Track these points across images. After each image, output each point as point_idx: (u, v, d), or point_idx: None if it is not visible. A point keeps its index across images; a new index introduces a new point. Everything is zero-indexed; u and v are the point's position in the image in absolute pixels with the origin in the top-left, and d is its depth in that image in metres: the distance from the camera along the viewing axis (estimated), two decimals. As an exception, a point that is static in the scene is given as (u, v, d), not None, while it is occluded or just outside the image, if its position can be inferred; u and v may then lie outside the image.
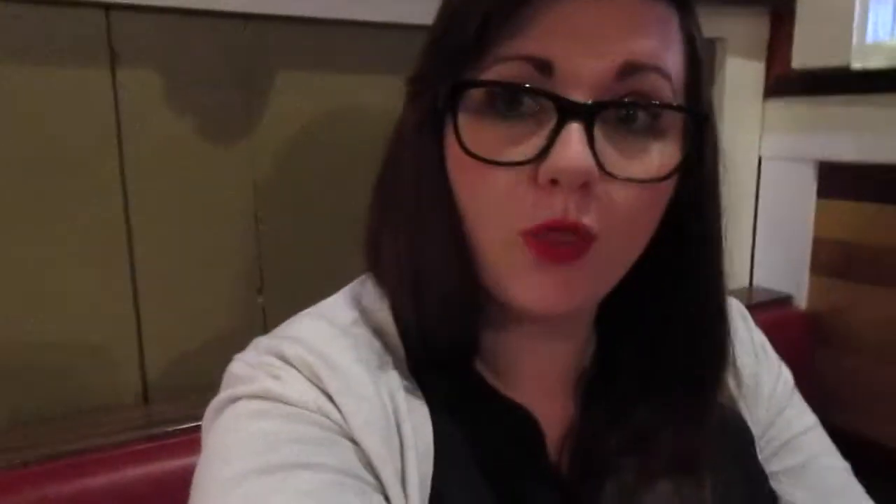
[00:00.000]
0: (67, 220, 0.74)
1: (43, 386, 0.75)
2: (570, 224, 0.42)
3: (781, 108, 1.22)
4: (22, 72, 0.71)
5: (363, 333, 0.50)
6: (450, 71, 0.45)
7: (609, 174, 0.42)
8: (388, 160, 0.52)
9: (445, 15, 0.47)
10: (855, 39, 1.10)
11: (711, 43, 1.19)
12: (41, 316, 0.74)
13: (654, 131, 0.44)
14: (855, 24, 1.10)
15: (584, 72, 0.42)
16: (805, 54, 1.17)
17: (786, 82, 1.20)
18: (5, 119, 0.71)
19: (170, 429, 0.71)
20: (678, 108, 0.45)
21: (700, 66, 0.47)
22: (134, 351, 0.79)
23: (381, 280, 0.52)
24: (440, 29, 0.47)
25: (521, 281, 0.45)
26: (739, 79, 1.21)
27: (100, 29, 0.73)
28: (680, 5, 0.45)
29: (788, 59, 1.19)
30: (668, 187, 0.46)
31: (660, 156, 0.44)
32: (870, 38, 1.11)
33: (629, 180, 0.43)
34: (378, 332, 0.50)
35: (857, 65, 1.10)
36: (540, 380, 0.53)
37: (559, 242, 0.43)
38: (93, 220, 0.75)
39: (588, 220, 0.42)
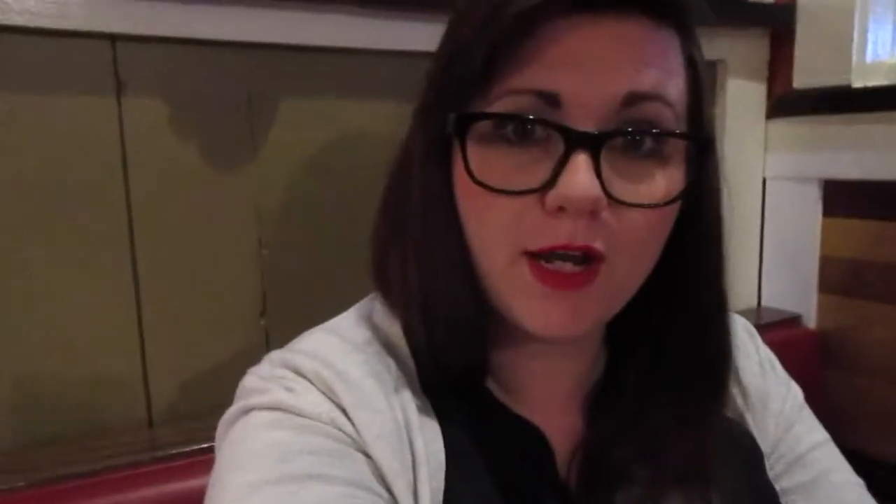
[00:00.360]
0: (73, 244, 0.75)
1: (47, 409, 0.75)
2: (578, 247, 0.43)
3: (784, 128, 1.22)
4: (30, 100, 0.72)
5: (375, 349, 0.50)
6: (457, 101, 0.45)
7: (616, 200, 0.43)
8: (392, 184, 0.52)
9: (451, 45, 0.48)
10: (855, 58, 1.11)
11: (712, 65, 1.20)
12: (45, 339, 0.75)
13: (659, 157, 0.45)
14: (854, 44, 1.11)
15: (590, 102, 0.43)
16: (806, 74, 1.18)
17: (787, 102, 1.20)
18: (13, 146, 0.72)
19: (173, 451, 0.71)
20: (681, 136, 0.46)
21: (701, 88, 0.48)
22: (138, 373, 0.79)
23: (390, 300, 0.52)
24: (447, 59, 0.47)
25: (527, 306, 0.45)
26: (741, 100, 1.22)
27: (106, 58, 0.75)
28: (681, 29, 0.46)
29: (789, 79, 1.20)
30: (674, 210, 0.47)
31: (665, 181, 0.45)
32: (869, 58, 1.12)
33: (635, 206, 0.43)
34: (389, 349, 0.51)
35: (857, 83, 1.11)
36: (549, 397, 0.53)
37: (566, 271, 0.43)
38: (98, 244, 0.76)
39: (596, 244, 0.43)
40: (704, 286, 0.52)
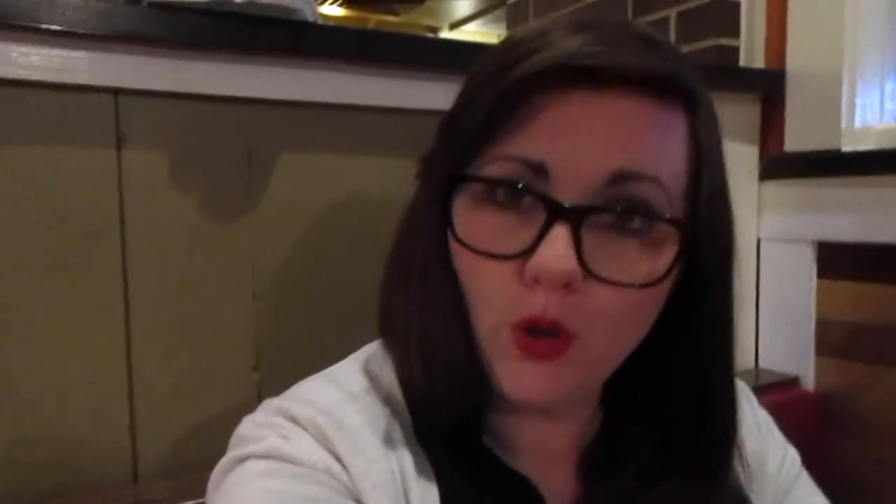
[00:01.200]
0: (66, 296, 0.75)
1: (33, 465, 0.74)
2: (549, 322, 0.43)
3: (777, 190, 1.23)
4: (31, 152, 0.73)
5: (372, 399, 0.50)
6: (454, 160, 0.46)
7: (593, 275, 0.42)
8: (401, 233, 0.53)
9: (458, 103, 0.49)
10: (844, 124, 1.13)
11: (704, 128, 1.22)
12: (33, 392, 0.73)
13: (646, 237, 0.44)
14: (843, 110, 1.13)
15: (577, 176, 0.43)
16: (797, 138, 1.20)
17: (779, 165, 1.22)
18: (13, 197, 0.72)
19: (160, 508, 0.69)
20: (666, 220, 0.44)
21: (703, 170, 0.47)
22: (126, 428, 0.78)
23: (392, 349, 0.52)
24: (452, 116, 0.49)
25: (506, 369, 0.45)
26: (734, 162, 1.22)
27: (108, 112, 0.76)
28: (688, 109, 0.46)
29: (781, 143, 1.22)
30: (661, 289, 0.45)
31: (649, 261, 0.44)
32: (858, 123, 1.14)
33: (612, 283, 0.43)
34: (386, 399, 0.50)
35: (847, 148, 1.13)
36: (543, 454, 0.52)
37: (539, 338, 0.43)
38: (91, 296, 0.76)
39: (567, 320, 0.43)
40: (706, 361, 0.50)
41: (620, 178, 0.43)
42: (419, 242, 0.49)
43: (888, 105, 1.15)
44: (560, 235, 0.42)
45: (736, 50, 1.25)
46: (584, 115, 0.43)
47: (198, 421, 0.81)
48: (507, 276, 0.43)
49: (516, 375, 0.45)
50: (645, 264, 0.44)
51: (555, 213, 0.42)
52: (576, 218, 0.42)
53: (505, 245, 0.43)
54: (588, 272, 0.42)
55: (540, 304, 0.42)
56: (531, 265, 0.42)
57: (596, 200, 0.43)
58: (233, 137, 0.83)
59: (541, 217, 0.42)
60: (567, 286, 0.42)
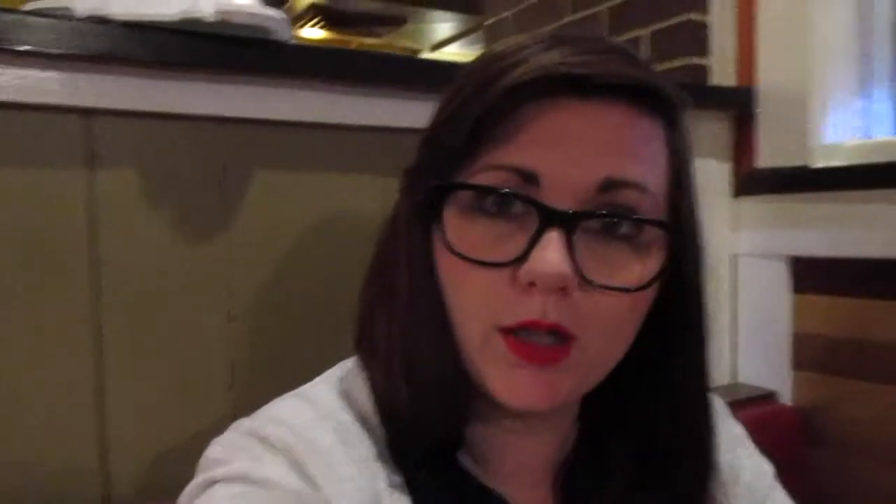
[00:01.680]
0: (38, 316, 0.74)
1: (1, 489, 0.72)
2: (548, 325, 0.43)
3: (751, 206, 1.24)
4: (3, 173, 0.72)
5: (345, 418, 0.49)
6: (441, 170, 0.47)
7: (587, 281, 0.43)
8: (381, 246, 0.53)
9: (442, 114, 0.49)
10: (813, 141, 1.15)
11: (679, 145, 1.24)
12: (0, 413, 0.72)
13: (635, 242, 0.45)
14: (812, 127, 1.15)
15: (568, 183, 0.44)
16: (768, 155, 1.22)
17: (752, 181, 1.23)
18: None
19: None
20: (656, 223, 0.46)
21: (682, 180, 0.49)
22: (96, 450, 0.76)
23: (369, 365, 0.52)
24: (436, 127, 0.49)
25: (502, 377, 0.45)
26: (708, 178, 1.25)
27: (80, 132, 0.75)
28: (667, 121, 0.48)
29: (753, 160, 1.23)
30: (648, 296, 0.47)
31: (640, 265, 0.45)
32: (828, 140, 1.16)
33: (607, 288, 0.44)
34: (360, 417, 0.50)
35: (818, 164, 1.14)
36: (521, 471, 0.52)
37: (539, 343, 0.44)
38: (63, 316, 0.75)
39: (566, 322, 0.43)
40: (685, 370, 0.51)
41: (610, 185, 0.44)
42: (403, 255, 0.49)
43: (856, 122, 1.17)
44: (553, 240, 0.42)
45: (707, 69, 1.27)
46: (574, 124, 0.44)
47: (171, 443, 0.80)
48: (500, 283, 0.44)
49: (514, 383, 0.45)
50: (636, 268, 0.45)
51: (548, 219, 0.43)
52: (569, 223, 0.43)
53: (496, 253, 0.44)
54: (582, 277, 0.43)
55: (537, 308, 0.43)
56: (526, 269, 0.42)
57: (586, 206, 0.44)
58: (206, 157, 0.82)
59: (532, 224, 0.43)
60: (562, 290, 0.43)
